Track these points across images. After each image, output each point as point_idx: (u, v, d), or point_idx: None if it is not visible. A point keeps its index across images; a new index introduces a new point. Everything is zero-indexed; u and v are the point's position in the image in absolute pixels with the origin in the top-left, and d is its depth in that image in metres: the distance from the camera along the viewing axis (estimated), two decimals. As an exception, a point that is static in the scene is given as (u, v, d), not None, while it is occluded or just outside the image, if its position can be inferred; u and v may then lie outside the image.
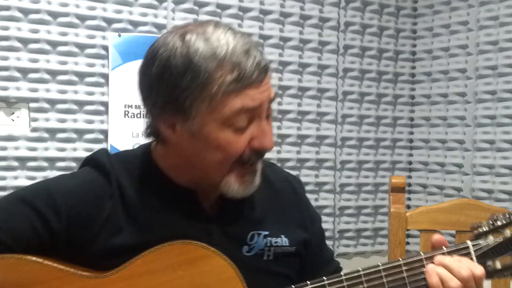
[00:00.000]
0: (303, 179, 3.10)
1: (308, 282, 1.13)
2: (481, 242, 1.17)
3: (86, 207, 1.14)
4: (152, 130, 1.19)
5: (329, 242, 3.11)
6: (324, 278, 1.13)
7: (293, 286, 1.13)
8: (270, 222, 1.26)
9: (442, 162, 3.19)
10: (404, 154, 3.40)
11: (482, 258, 1.16)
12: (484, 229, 1.17)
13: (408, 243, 3.16)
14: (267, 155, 3.35)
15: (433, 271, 1.13)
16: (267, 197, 1.30)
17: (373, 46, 3.30)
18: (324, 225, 3.14)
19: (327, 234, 3.14)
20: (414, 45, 3.39)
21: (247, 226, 1.23)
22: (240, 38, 1.11)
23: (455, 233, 1.90)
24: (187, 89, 1.08)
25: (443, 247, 1.17)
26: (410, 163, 3.40)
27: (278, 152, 3.05)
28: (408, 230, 1.89)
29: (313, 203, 3.10)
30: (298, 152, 3.11)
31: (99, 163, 1.20)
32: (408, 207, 3.27)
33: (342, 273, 1.14)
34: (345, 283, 1.12)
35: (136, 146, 1.30)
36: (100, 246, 1.12)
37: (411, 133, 3.40)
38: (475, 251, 1.16)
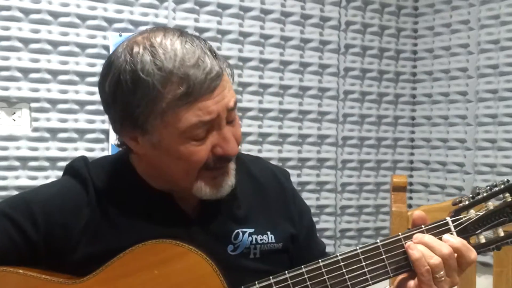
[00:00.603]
0: (305, 179, 3.10)
1: (286, 272, 1.11)
2: (462, 216, 1.13)
3: (63, 215, 1.13)
4: (120, 142, 1.19)
5: (330, 242, 3.11)
6: (302, 266, 1.11)
7: (271, 277, 1.11)
8: (255, 219, 1.24)
9: (444, 161, 3.19)
10: (406, 153, 3.39)
11: (463, 233, 1.12)
12: (465, 203, 1.14)
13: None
14: (268, 154, 3.32)
15: (415, 246, 1.10)
16: (252, 194, 1.28)
17: (374, 45, 3.29)
18: (325, 225, 3.17)
19: (328, 233, 3.14)
20: (415, 44, 3.39)
21: (231, 225, 1.21)
22: (190, 47, 1.07)
23: (457, 232, 1.90)
24: (139, 106, 1.06)
25: (422, 225, 1.14)
26: (411, 162, 3.40)
27: (280, 151, 3.05)
28: (409, 229, 1.88)
29: (314, 202, 3.10)
30: (299, 152, 3.10)
31: (76, 171, 1.19)
32: (410, 206, 3.27)
33: (319, 260, 1.12)
34: (323, 269, 1.11)
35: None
36: (81, 253, 1.12)
37: (413, 132, 3.40)
38: (455, 225, 1.12)
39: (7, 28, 2.48)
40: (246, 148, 2.87)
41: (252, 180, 1.30)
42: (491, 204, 1.13)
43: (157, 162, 1.14)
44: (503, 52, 2.92)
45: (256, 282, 1.10)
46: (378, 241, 1.13)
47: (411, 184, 3.34)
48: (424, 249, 1.10)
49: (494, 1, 2.95)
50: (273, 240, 1.24)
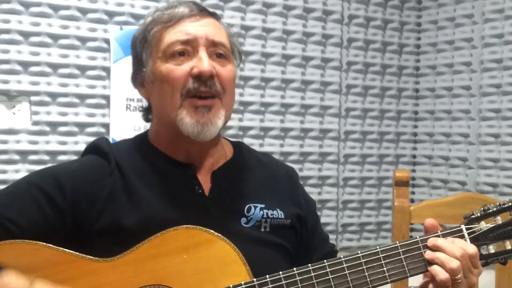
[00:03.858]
0: (306, 173, 3.09)
1: (309, 265, 1.15)
2: (474, 226, 1.22)
3: (88, 184, 1.21)
4: (144, 108, 1.35)
5: (332, 236, 3.11)
6: (325, 261, 1.16)
7: (295, 269, 1.15)
8: (265, 196, 1.32)
9: (447, 155, 3.17)
10: (408, 147, 3.38)
11: (475, 241, 1.21)
12: (477, 215, 1.23)
13: (411, 237, 3.14)
14: (270, 148, 3.29)
15: (433, 256, 1.17)
16: (261, 175, 1.37)
17: (377, 39, 3.27)
18: (327, 219, 3.16)
19: (330, 228, 3.14)
20: (419, 38, 3.37)
21: (243, 200, 1.29)
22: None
23: (459, 227, 1.89)
24: (139, 44, 1.28)
25: (438, 231, 1.22)
26: (414, 156, 3.38)
27: (281, 145, 3.03)
28: (411, 224, 1.88)
29: (316, 197, 3.09)
30: (301, 146, 3.09)
31: (97, 147, 1.28)
32: (412, 201, 3.26)
33: (341, 256, 1.17)
34: (344, 265, 1.16)
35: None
36: (104, 222, 1.18)
37: (415, 126, 3.38)
38: (468, 233, 1.21)
39: (7, 21, 2.47)
40: (247, 142, 2.83)
41: (261, 165, 1.39)
42: (500, 219, 1.22)
43: (154, 99, 1.28)
44: (507, 46, 2.90)
45: (280, 272, 1.14)
46: (397, 242, 1.20)
47: (413, 178, 3.33)
48: (442, 255, 1.16)
49: (498, -6, 2.93)
50: (282, 216, 1.32)
